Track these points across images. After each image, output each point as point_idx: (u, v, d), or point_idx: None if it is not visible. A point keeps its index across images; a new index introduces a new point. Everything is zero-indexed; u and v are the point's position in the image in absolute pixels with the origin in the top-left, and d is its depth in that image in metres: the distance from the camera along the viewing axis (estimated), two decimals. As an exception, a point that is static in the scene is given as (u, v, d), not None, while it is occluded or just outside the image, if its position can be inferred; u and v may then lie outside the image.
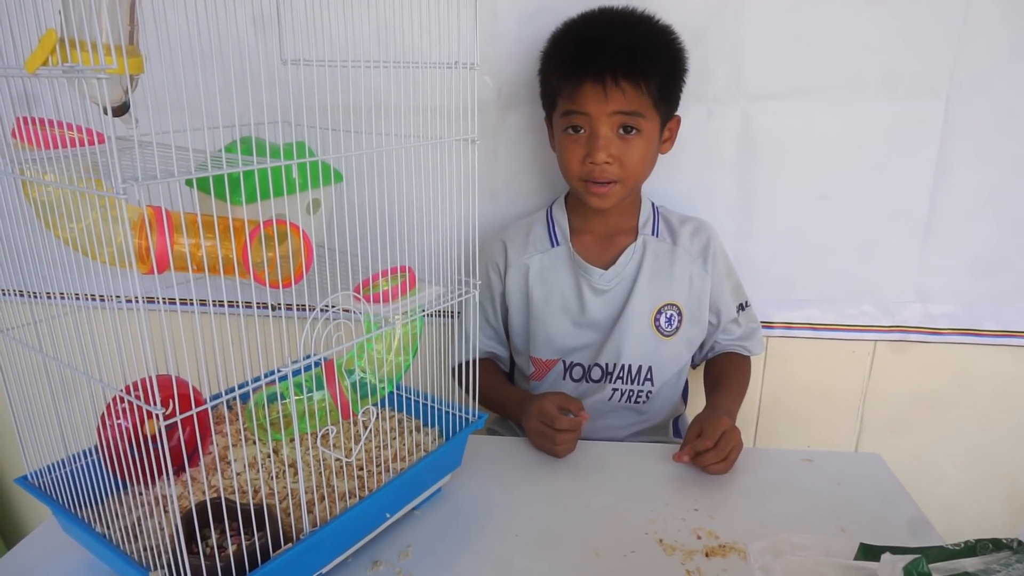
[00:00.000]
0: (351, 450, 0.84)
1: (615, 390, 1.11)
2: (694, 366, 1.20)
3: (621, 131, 1.01)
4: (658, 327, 1.10)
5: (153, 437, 0.76)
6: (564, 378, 1.13)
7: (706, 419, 0.95)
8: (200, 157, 0.65)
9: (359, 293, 0.78)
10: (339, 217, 0.74)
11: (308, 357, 0.70)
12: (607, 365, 1.11)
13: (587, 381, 1.13)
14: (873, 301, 1.23)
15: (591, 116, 1.00)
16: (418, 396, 0.92)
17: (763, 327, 1.26)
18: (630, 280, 1.10)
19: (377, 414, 0.92)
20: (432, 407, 0.90)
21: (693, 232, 1.12)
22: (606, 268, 1.10)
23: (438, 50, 0.73)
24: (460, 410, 0.89)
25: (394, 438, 0.88)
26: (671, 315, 1.10)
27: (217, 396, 0.84)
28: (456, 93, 0.75)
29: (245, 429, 0.86)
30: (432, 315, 0.79)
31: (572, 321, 1.11)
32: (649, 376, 1.11)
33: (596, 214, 1.10)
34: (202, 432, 0.82)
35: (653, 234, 1.11)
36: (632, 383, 1.11)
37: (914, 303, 1.22)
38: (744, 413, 1.30)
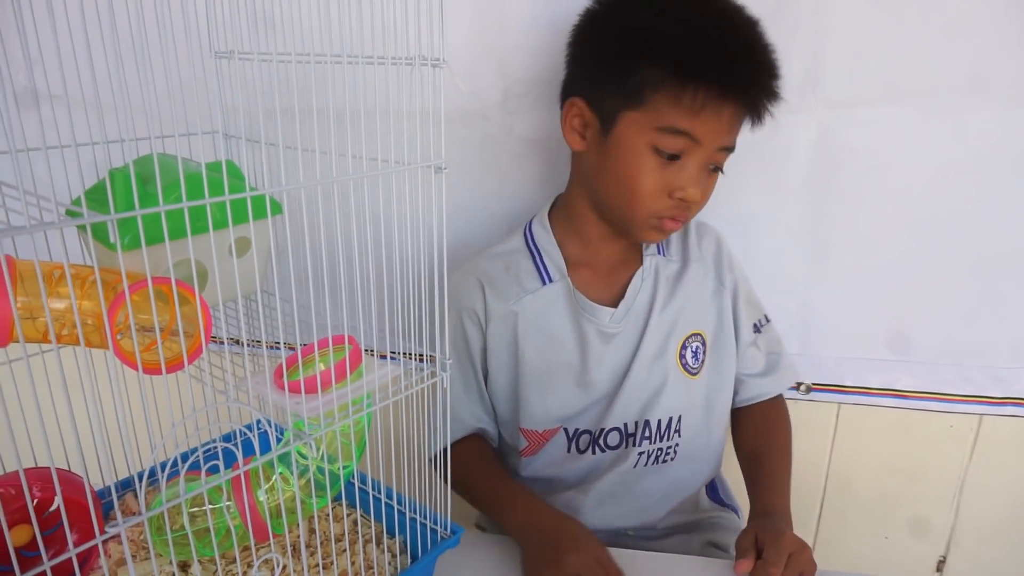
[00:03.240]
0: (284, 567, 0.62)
1: (641, 454, 0.87)
2: None
3: (712, 167, 0.79)
4: (684, 365, 0.87)
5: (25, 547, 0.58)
6: (569, 451, 0.89)
7: (764, 533, 0.72)
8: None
9: (281, 378, 0.57)
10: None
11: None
12: (626, 426, 0.87)
13: (599, 450, 0.88)
14: (980, 365, 0.96)
15: (702, 145, 0.75)
16: (378, 491, 0.70)
17: (834, 391, 1.01)
18: (643, 315, 0.86)
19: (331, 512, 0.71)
20: (394, 508, 0.69)
21: (699, 238, 0.90)
22: (614, 305, 0.86)
23: (394, 40, 0.51)
24: (430, 518, 0.67)
25: (343, 550, 0.67)
26: (696, 347, 0.87)
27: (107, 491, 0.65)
28: (418, 99, 0.53)
29: (140, 539, 0.66)
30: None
31: (576, 379, 0.86)
32: (678, 427, 0.87)
33: (604, 241, 0.86)
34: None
35: (660, 253, 0.88)
36: (660, 440, 0.87)
37: (1035, 369, 0.95)
38: (806, 492, 1.06)
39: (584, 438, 0.88)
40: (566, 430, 0.88)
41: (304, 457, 0.57)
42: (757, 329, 0.92)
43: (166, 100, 0.52)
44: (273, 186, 0.51)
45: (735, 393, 0.93)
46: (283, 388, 0.56)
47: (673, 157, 0.75)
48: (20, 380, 0.51)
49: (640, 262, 0.87)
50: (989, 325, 0.94)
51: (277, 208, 0.65)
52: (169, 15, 0.53)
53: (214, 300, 0.59)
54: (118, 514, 0.47)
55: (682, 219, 0.80)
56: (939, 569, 1.08)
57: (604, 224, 0.85)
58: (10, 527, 0.56)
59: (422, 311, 0.58)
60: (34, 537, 0.61)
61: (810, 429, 1.02)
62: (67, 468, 0.59)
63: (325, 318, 0.57)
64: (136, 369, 0.51)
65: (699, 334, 0.88)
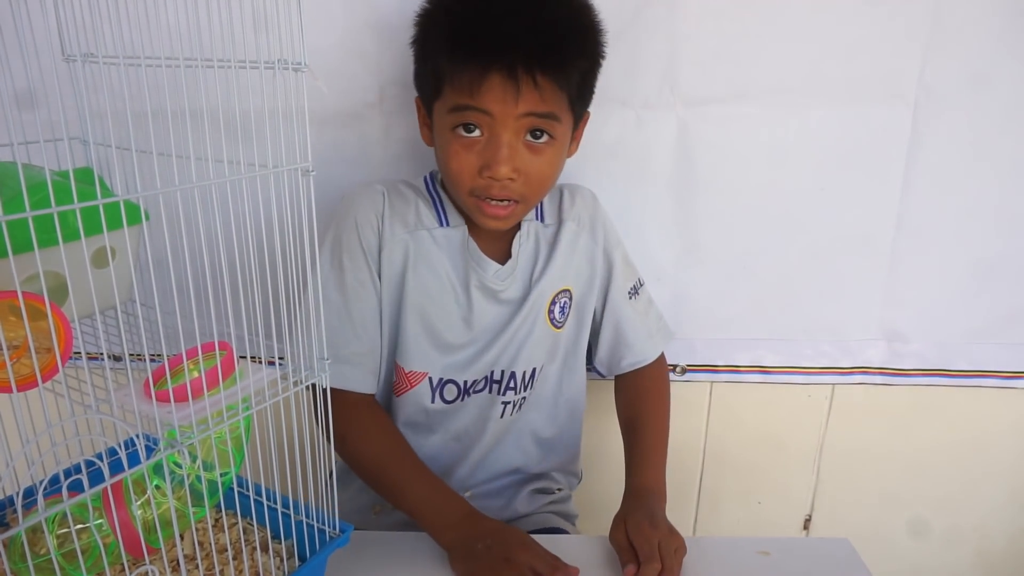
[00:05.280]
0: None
1: (506, 404, 0.91)
2: (602, 374, 0.99)
3: (529, 137, 0.78)
4: (552, 319, 0.90)
5: None
6: (433, 401, 0.89)
7: (631, 525, 0.75)
8: None
9: (151, 389, 0.55)
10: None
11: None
12: (493, 374, 0.90)
13: (466, 397, 0.90)
14: (831, 340, 1.06)
15: (494, 117, 0.75)
16: (263, 495, 0.70)
17: (707, 371, 1.08)
18: (527, 277, 0.89)
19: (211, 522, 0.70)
20: (278, 511, 0.68)
21: (572, 197, 0.92)
22: (502, 263, 0.88)
23: (255, 44, 0.51)
24: (318, 519, 0.67)
25: (226, 561, 0.66)
26: (564, 303, 0.91)
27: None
28: (281, 102, 0.53)
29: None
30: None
31: (454, 326, 0.88)
32: (533, 378, 0.92)
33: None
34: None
35: (538, 219, 0.90)
36: (524, 390, 0.92)
37: (878, 341, 1.06)
38: (686, 466, 1.14)
39: (448, 389, 0.89)
40: (430, 379, 0.88)
41: (179, 467, 0.56)
42: (635, 292, 0.95)
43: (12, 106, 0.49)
44: (129, 192, 0.49)
45: (621, 359, 0.95)
46: (151, 398, 0.55)
47: (470, 130, 0.77)
48: None
49: (519, 227, 0.89)
50: (839, 303, 1.04)
51: (136, 216, 0.63)
52: (12, 16, 0.51)
53: (71, 314, 0.57)
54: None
55: (502, 198, 0.79)
56: (805, 527, 1.19)
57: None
58: None
59: (299, 314, 0.58)
60: None
61: (687, 408, 1.09)
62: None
63: (193, 325, 0.57)
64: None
65: (568, 290, 0.91)
